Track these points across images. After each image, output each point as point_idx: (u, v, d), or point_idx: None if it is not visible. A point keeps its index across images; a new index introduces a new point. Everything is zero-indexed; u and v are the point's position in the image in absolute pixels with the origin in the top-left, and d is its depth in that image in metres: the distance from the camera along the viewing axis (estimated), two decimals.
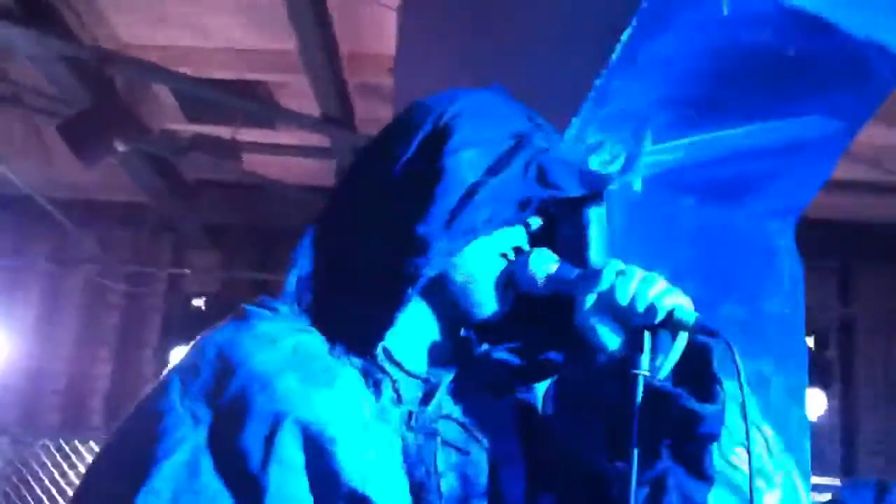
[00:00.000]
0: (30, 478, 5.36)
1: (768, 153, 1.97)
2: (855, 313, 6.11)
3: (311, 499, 1.25)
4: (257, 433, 1.26)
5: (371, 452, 1.29)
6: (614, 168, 1.88)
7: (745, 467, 1.91)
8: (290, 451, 1.26)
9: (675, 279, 1.31)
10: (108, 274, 5.87)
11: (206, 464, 1.26)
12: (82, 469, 5.45)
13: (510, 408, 1.45)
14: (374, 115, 4.67)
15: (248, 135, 5.10)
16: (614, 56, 1.77)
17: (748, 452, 1.24)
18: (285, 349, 1.33)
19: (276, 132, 5.08)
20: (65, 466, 5.34)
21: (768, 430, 2.18)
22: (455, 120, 1.43)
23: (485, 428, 1.40)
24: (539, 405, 1.48)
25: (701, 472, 1.32)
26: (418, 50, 2.66)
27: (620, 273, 1.29)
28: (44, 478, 5.33)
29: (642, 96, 1.84)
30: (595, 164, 1.86)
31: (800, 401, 2.08)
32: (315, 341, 1.36)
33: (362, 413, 1.32)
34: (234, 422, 1.27)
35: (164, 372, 1.36)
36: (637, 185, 1.91)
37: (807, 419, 2.10)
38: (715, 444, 1.34)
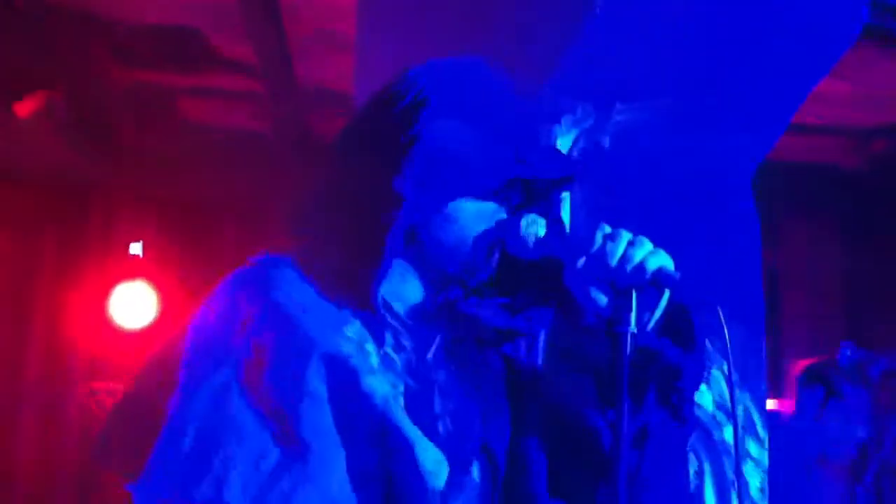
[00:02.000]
0: None
1: (724, 118, 2.08)
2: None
3: (335, 427, 1.35)
4: (286, 369, 1.36)
5: (384, 390, 1.38)
6: (585, 127, 1.97)
7: (707, 405, 2.05)
8: (316, 384, 1.36)
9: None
10: (39, 228, 5.81)
11: (236, 395, 1.35)
12: None
13: (496, 362, 1.55)
14: (313, 63, 4.66)
15: (184, 81, 5.05)
16: (588, 22, 1.84)
17: (731, 405, 1.36)
18: (304, 295, 1.43)
19: (213, 79, 5.03)
20: None
21: (724, 366, 2.32)
22: (434, 91, 1.51)
23: (474, 380, 1.51)
24: (524, 359, 1.58)
25: (683, 418, 1.44)
26: (380, 18, 2.69)
27: (609, 236, 1.39)
28: None
29: (615, 61, 1.92)
30: (567, 124, 1.94)
31: (757, 337, 2.22)
32: (323, 291, 1.46)
33: (371, 357, 1.41)
34: (262, 359, 1.37)
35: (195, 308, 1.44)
36: (605, 143, 2.00)
37: (763, 354, 2.24)
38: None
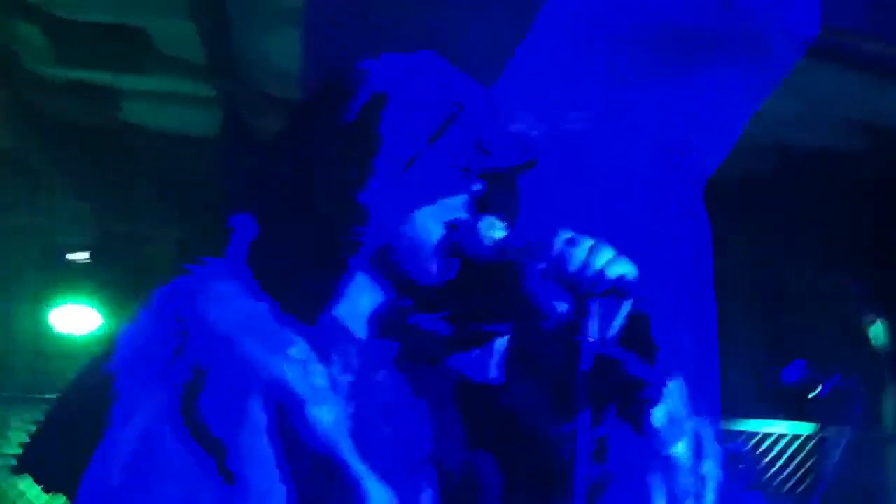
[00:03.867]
0: None
1: (673, 124, 2.06)
2: None
3: (276, 460, 1.27)
4: (223, 396, 1.28)
5: (330, 421, 1.31)
6: (535, 136, 1.93)
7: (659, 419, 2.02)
8: (256, 413, 1.28)
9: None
10: None
11: (169, 425, 1.26)
12: None
13: (446, 376, 1.49)
14: (262, 65, 4.59)
15: (126, 81, 4.94)
16: (535, 23, 1.81)
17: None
18: (241, 313, 1.34)
19: (156, 79, 4.93)
20: None
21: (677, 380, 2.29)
22: (392, 86, 1.43)
23: (425, 397, 1.44)
24: (477, 371, 1.51)
25: (642, 430, 1.39)
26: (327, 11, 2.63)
27: (570, 242, 1.33)
28: None
29: (560, 63, 1.89)
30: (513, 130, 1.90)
31: (710, 349, 2.19)
32: (265, 307, 1.37)
33: (316, 380, 1.33)
34: (197, 384, 1.28)
35: (117, 331, 1.35)
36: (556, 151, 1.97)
37: (716, 366, 2.21)
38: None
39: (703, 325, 2.18)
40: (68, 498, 1.26)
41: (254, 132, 5.03)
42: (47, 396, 5.13)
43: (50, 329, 5.27)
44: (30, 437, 1.38)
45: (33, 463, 1.36)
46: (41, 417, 1.38)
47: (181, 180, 5.34)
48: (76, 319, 5.25)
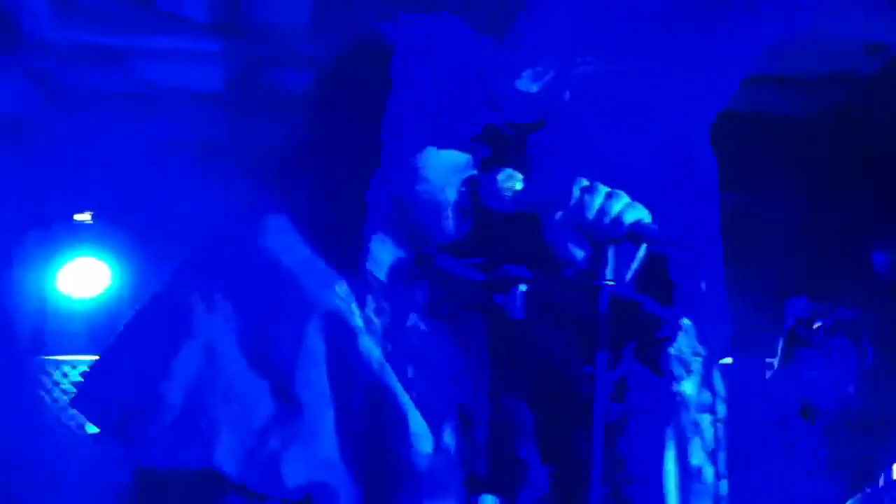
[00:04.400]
0: None
1: (685, 68, 2.08)
2: None
3: (329, 387, 1.34)
4: (283, 322, 1.35)
5: (378, 352, 1.39)
6: (546, 80, 1.95)
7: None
8: (314, 340, 1.35)
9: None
10: None
11: (227, 348, 1.34)
12: None
13: (476, 319, 1.55)
14: (266, 20, 4.59)
15: (131, 41, 4.94)
16: None
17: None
18: (295, 251, 1.41)
19: (162, 38, 4.93)
20: None
21: (685, 320, 2.33)
22: (406, 45, 1.49)
23: (452, 340, 1.50)
24: (506, 314, 1.56)
25: (660, 370, 1.45)
26: None
27: (586, 190, 1.38)
28: None
29: (573, 12, 1.91)
30: (528, 77, 1.92)
31: (717, 288, 2.23)
32: (310, 251, 1.44)
33: (356, 319, 1.40)
34: (259, 311, 1.36)
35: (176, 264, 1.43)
36: (566, 96, 1.98)
37: (724, 305, 2.24)
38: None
39: (711, 262, 2.21)
40: (125, 431, 1.33)
41: (264, 87, 5.05)
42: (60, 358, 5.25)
43: (57, 290, 5.30)
44: (96, 364, 1.44)
45: (92, 396, 1.42)
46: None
47: (192, 138, 5.36)
48: (84, 280, 5.29)
